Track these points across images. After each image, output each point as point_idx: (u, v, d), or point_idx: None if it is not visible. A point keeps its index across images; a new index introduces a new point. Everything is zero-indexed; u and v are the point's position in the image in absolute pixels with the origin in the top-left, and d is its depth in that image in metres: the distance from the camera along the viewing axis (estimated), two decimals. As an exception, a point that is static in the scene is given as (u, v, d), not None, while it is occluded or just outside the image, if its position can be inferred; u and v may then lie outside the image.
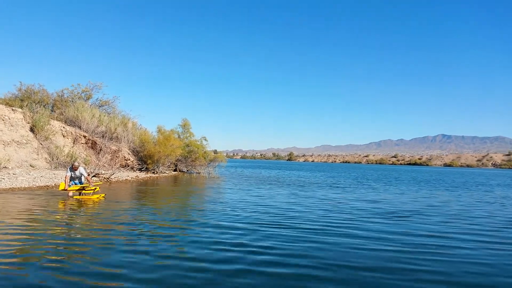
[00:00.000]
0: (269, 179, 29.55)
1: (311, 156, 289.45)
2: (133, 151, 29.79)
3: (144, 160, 28.96)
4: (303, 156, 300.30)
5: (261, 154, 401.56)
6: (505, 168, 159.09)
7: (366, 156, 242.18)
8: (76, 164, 13.54)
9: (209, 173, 33.47)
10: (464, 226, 10.05)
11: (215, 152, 40.95)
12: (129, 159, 28.47)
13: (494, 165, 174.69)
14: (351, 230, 8.91)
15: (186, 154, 33.35)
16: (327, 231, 8.69)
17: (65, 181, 13.25)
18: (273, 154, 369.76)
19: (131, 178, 23.48)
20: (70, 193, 13.30)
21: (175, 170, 33.24)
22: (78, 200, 12.67)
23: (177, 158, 32.10)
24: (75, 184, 13.56)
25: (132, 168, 27.98)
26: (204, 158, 34.41)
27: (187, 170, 34.89)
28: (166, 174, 29.54)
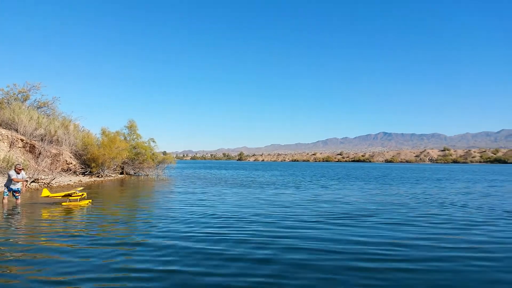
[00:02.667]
0: (220, 180, 29.74)
1: (261, 155, 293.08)
2: (75, 154, 28.56)
3: (88, 163, 27.89)
4: (253, 155, 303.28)
5: (211, 155, 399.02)
6: (440, 163, 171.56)
7: (313, 154, 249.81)
8: (19, 166, 13.14)
9: (158, 175, 32.99)
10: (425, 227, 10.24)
11: (164, 153, 40.45)
12: (71, 163, 27.28)
13: (430, 160, 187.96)
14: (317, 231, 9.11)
15: (133, 157, 32.58)
16: (288, 236, 8.38)
17: (23, 185, 13.35)
18: (224, 154, 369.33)
19: (74, 182, 22.59)
20: (5, 201, 12.82)
21: (121, 173, 32.33)
22: (14, 208, 12.09)
23: (123, 160, 31.27)
24: (15, 190, 12.98)
25: (74, 172, 26.84)
26: (153, 160, 33.84)
27: (135, 173, 34.09)
28: (112, 178, 28.67)
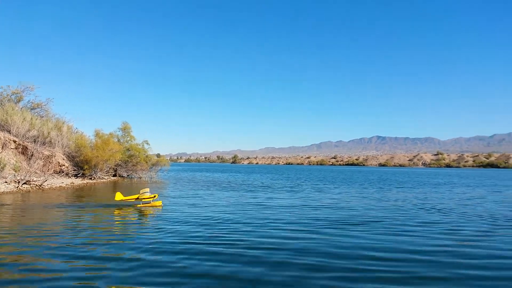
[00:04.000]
0: (213, 183, 29.73)
1: (256, 158, 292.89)
2: (68, 156, 28.43)
3: (81, 165, 27.77)
4: (247, 158, 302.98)
5: (205, 157, 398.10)
6: (433, 167, 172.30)
7: (308, 158, 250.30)
8: None
9: (151, 178, 32.90)
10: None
11: (158, 156, 40.35)
12: (64, 165, 27.15)
13: (424, 164, 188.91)
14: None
15: (126, 159, 32.46)
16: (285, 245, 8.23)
17: None
18: (218, 157, 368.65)
19: (66, 185, 22.48)
20: None
21: (114, 175, 32.19)
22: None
23: (116, 162, 31.16)
24: None
25: (67, 174, 26.71)
26: (146, 162, 33.73)
27: (128, 175, 33.96)
28: (104, 180, 28.55)
